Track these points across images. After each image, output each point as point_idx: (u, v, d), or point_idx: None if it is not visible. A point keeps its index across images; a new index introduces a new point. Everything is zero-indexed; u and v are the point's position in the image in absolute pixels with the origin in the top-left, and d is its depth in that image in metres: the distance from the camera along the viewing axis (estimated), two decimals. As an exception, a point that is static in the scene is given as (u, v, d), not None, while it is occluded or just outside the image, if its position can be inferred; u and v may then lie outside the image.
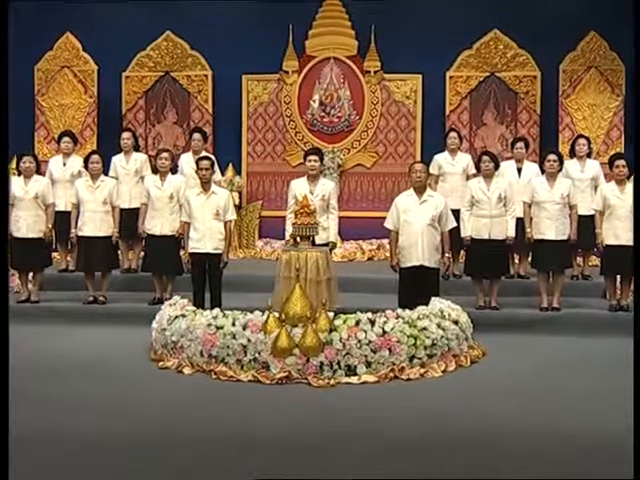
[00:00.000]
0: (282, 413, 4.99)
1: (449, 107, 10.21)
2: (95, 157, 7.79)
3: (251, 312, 6.06)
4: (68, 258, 8.57)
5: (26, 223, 7.64)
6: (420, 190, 6.83)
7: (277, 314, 5.90)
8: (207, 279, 7.13)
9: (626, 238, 7.11)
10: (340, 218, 7.63)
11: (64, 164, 8.60)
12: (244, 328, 5.82)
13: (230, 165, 10.28)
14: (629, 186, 7.25)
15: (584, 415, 4.88)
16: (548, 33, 9.73)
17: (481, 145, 10.11)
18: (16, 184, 7.69)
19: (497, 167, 7.55)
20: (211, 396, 5.37)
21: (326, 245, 7.07)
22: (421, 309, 6.19)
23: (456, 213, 7.30)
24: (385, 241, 9.33)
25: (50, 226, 7.78)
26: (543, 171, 7.67)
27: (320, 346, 5.63)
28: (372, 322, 5.85)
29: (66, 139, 8.69)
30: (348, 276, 7.86)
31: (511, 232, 7.38)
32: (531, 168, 8.23)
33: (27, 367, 5.81)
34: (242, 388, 5.53)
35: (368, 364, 5.71)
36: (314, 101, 10.48)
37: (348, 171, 10.54)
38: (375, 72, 10.39)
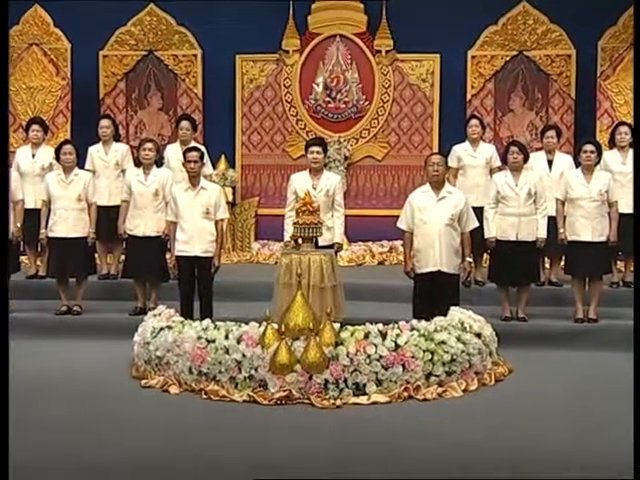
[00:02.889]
0: (282, 437, 5.03)
1: (471, 91, 10.27)
2: (68, 147, 7.85)
3: (246, 323, 6.10)
4: (38, 262, 8.63)
5: (-10, 222, 7.70)
6: (437, 185, 6.89)
7: (276, 325, 5.95)
8: (196, 286, 7.20)
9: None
10: (347, 217, 7.68)
11: (33, 155, 8.68)
12: (238, 342, 5.87)
13: (222, 157, 10.34)
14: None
15: (620, 442, 4.89)
16: (584, 5, 9.76)
17: (507, 134, 10.17)
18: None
19: (526, 159, 7.60)
20: (201, 419, 5.41)
21: (331, 247, 7.13)
22: (439, 320, 6.24)
23: (478, 211, 7.36)
24: (398, 243, 9.39)
25: (18, 226, 7.83)
26: (578, 163, 7.71)
27: (324, 362, 5.68)
28: (383, 335, 5.90)
29: (35, 127, 8.77)
30: (356, 282, 7.92)
31: (542, 233, 7.44)
32: (564, 160, 8.29)
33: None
34: (236, 410, 5.57)
35: (379, 382, 5.75)
36: (318, 84, 10.55)
37: (356, 164, 10.60)
38: (387, 51, 10.45)
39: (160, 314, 6.58)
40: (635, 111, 8.10)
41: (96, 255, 8.30)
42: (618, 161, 8.21)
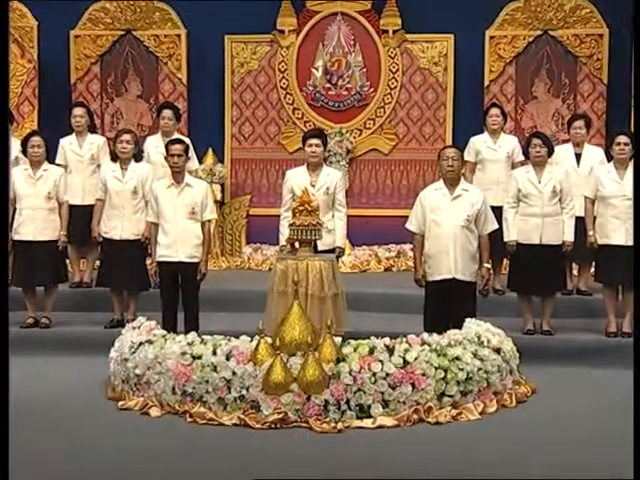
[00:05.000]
0: (276, 465, 5.05)
1: (489, 76, 10.31)
2: (36, 139, 7.89)
3: (237, 337, 6.15)
4: (2, 269, 8.67)
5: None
6: (452, 182, 6.92)
7: (270, 340, 5.98)
8: (180, 295, 7.24)
9: None
10: (349, 217, 7.71)
11: (-3, 149, 8.72)
12: (228, 358, 5.90)
13: (209, 150, 10.39)
14: None
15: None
16: (618, -22, 9.81)
17: (530, 125, 10.21)
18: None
19: (551, 153, 7.63)
20: (186, 444, 5.42)
21: (332, 252, 7.16)
22: (453, 334, 6.28)
23: (498, 211, 7.39)
24: (407, 247, 9.43)
25: (-21, 228, 7.88)
26: (610, 157, 7.74)
27: (324, 380, 5.71)
28: (390, 350, 5.93)
29: (-1, 117, 8.82)
30: (360, 291, 7.98)
31: (568, 236, 7.47)
32: (594, 153, 8.32)
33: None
34: (225, 434, 5.60)
35: (385, 403, 5.78)
36: (317, 69, 10.59)
37: (360, 158, 10.64)
38: (394, 31, 10.49)
39: (139, 327, 6.60)
40: (635, 112, 8.14)
41: (68, 261, 8.34)
42: (655, 154, 8.23)
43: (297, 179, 7.41)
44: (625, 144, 7.49)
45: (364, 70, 10.55)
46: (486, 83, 10.30)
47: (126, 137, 7.80)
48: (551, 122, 10.26)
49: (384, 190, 10.63)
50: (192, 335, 6.27)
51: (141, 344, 6.30)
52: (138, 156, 7.96)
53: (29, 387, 6.58)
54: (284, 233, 7.09)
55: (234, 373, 5.82)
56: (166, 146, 7.45)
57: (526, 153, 7.78)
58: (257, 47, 10.66)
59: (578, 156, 8.27)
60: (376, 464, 5.07)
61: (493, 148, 8.53)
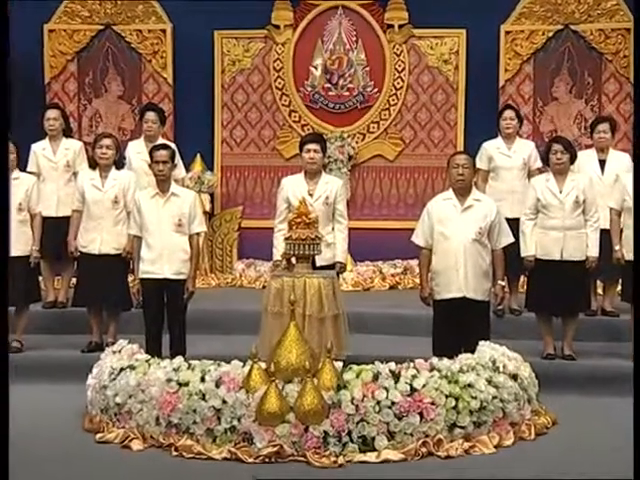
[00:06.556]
0: (270, 503, 5.08)
1: (504, 75, 10.35)
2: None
3: (227, 362, 6.15)
4: (-32, 287, 8.68)
5: None
6: (463, 192, 6.93)
7: (264, 365, 5.99)
8: (165, 316, 7.25)
9: None
10: (351, 230, 7.73)
11: (-36, 155, 8.75)
12: (217, 385, 5.90)
13: (198, 157, 10.41)
14: None
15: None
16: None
17: (549, 128, 10.25)
18: None
19: (573, 159, 7.65)
20: (171, 480, 5.46)
21: (332, 268, 7.18)
22: (465, 358, 6.28)
23: (514, 224, 7.41)
24: (414, 262, 9.42)
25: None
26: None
27: (324, 410, 5.71)
28: (396, 376, 5.94)
29: (-34, 120, 8.85)
30: (363, 311, 8.01)
31: (593, 250, 7.48)
32: (620, 160, 8.33)
33: None
34: (215, 469, 5.59)
35: (391, 435, 5.78)
36: (316, 67, 10.63)
37: (363, 164, 10.67)
38: (400, 26, 10.54)
39: (120, 351, 6.61)
40: (635, 113, 8.18)
41: (41, 278, 8.34)
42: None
43: (293, 188, 7.43)
44: (655, 149, 7.52)
45: (367, 69, 10.59)
46: (501, 83, 10.34)
47: (106, 142, 7.81)
48: (573, 125, 10.28)
49: (389, 200, 10.66)
50: (178, 360, 6.27)
51: (122, 370, 6.30)
52: (119, 163, 7.98)
53: (-2, 417, 6.59)
54: (279, 247, 7.10)
55: (224, 402, 5.82)
56: (150, 152, 7.48)
57: (545, 160, 7.78)
58: (250, 43, 10.70)
59: (602, 163, 8.29)
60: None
61: (507, 154, 8.53)
